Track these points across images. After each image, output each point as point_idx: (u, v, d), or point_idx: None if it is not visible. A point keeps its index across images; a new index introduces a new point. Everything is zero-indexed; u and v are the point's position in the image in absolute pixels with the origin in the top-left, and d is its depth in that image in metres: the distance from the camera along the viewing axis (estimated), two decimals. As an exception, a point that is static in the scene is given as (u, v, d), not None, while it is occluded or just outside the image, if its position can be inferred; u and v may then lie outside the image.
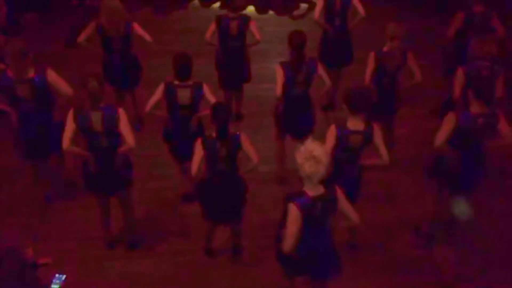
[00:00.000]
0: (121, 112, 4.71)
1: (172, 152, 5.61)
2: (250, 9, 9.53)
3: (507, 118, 4.83)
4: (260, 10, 9.70)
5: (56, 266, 3.97)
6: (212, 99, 5.18)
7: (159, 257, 5.23)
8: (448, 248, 5.34)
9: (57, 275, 3.81)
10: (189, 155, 4.77)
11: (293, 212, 3.74)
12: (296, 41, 5.36)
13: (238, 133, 4.69)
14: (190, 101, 5.22)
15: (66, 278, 3.81)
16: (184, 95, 5.19)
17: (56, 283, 3.78)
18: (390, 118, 5.99)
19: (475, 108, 4.73)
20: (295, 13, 9.77)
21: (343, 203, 3.93)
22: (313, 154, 3.61)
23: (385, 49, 5.69)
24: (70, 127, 4.64)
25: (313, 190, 3.77)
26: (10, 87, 5.01)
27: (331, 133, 4.66)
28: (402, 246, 5.40)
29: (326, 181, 3.87)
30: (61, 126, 4.76)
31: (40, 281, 3.77)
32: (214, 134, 4.58)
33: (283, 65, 5.47)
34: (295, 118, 5.57)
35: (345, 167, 4.72)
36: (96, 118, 4.62)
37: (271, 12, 9.80)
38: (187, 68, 5.16)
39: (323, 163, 3.64)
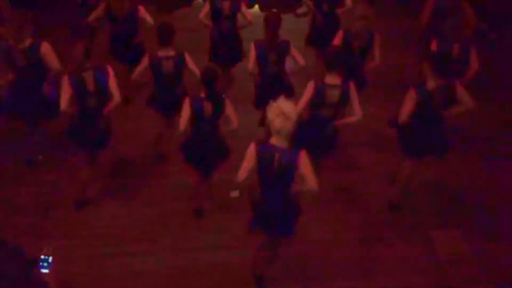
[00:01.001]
0: (110, 69, 5.16)
1: (156, 110, 5.95)
2: (255, 8, 9.58)
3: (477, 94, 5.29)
4: (264, 8, 9.70)
5: (58, 264, 4.00)
6: (194, 68, 5.57)
7: (162, 254, 5.26)
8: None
9: (42, 257, 3.67)
10: (171, 112, 5.58)
11: (250, 150, 4.17)
12: (272, 21, 5.69)
13: (224, 96, 5.01)
14: (174, 70, 5.58)
15: (53, 259, 3.68)
16: (167, 65, 5.55)
17: (44, 267, 3.66)
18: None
19: (431, 83, 5.05)
20: (298, 11, 9.76)
21: (304, 167, 4.08)
22: (283, 111, 3.95)
23: (353, 29, 5.96)
24: (66, 90, 5.02)
25: (277, 142, 4.10)
26: (8, 54, 5.39)
27: (309, 86, 5.11)
28: (402, 245, 5.43)
29: (300, 141, 4.33)
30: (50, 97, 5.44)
31: (42, 280, 3.78)
32: (202, 95, 4.90)
33: (257, 43, 5.81)
34: (271, 95, 5.62)
35: (322, 124, 5.18)
36: (88, 78, 5.03)
37: (274, 11, 9.79)
38: (169, 34, 5.51)
39: (292, 119, 3.97)
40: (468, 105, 5.17)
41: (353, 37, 5.95)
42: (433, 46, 5.96)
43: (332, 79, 5.10)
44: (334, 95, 5.09)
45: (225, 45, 6.89)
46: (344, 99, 5.13)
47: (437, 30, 6.37)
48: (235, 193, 5.90)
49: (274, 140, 4.11)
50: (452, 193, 6.03)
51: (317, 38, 7.20)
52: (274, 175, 4.16)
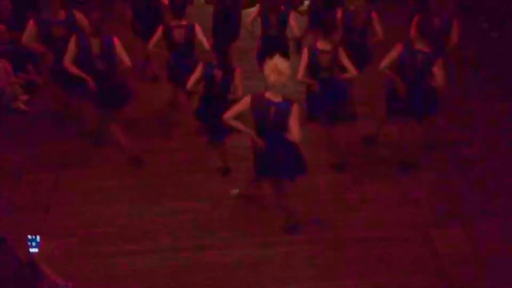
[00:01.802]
0: (116, 40, 5.60)
1: (171, 79, 6.56)
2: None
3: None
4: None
5: (59, 263, 3.99)
6: (202, 38, 6.14)
7: (162, 253, 5.24)
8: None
9: (29, 236, 3.66)
10: (183, 81, 5.85)
11: (245, 99, 4.68)
12: None
13: (235, 66, 5.54)
14: (185, 39, 6.13)
15: (40, 239, 3.66)
16: (179, 34, 6.10)
17: (33, 246, 3.64)
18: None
19: (419, 45, 5.49)
20: (300, 9, 9.77)
21: (292, 119, 4.58)
22: (278, 67, 4.43)
23: (352, 8, 6.44)
24: (72, 49, 5.49)
25: (272, 96, 4.59)
26: (47, 28, 5.82)
27: (305, 53, 5.70)
28: (402, 245, 5.42)
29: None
30: None
31: (40, 279, 3.74)
32: (214, 62, 5.45)
33: (262, 4, 6.58)
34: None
35: (323, 85, 5.73)
36: (95, 43, 5.49)
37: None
38: (182, 6, 6.13)
39: (285, 75, 4.46)
40: (438, 82, 5.45)
41: (352, 15, 6.38)
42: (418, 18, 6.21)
43: (324, 45, 5.64)
44: (327, 59, 5.63)
45: (226, 23, 7.36)
46: (335, 62, 5.66)
47: (423, 5, 6.75)
48: (235, 192, 5.90)
49: (269, 94, 4.59)
50: (453, 192, 6.02)
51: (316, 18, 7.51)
52: (271, 125, 4.64)
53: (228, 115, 4.74)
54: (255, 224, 5.55)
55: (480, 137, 6.91)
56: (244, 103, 4.68)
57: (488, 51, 8.79)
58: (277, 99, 4.58)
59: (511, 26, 9.20)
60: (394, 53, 5.60)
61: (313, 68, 5.69)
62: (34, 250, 3.67)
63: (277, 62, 4.45)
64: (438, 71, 5.43)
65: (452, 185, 6.12)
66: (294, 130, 4.59)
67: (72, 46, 5.49)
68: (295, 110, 4.60)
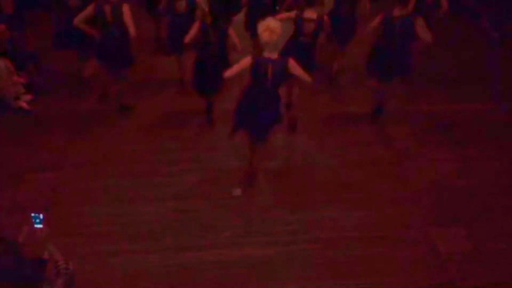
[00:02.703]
0: (126, 6, 6.09)
1: (170, 46, 7.20)
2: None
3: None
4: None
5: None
6: (204, 7, 6.53)
7: (164, 253, 5.25)
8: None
9: (32, 214, 3.66)
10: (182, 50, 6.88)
11: (246, 59, 5.01)
12: None
13: (226, 26, 6.01)
14: (187, 8, 6.73)
15: (44, 215, 3.66)
16: (180, 5, 6.72)
17: (37, 223, 3.64)
18: (346, 42, 7.41)
19: (397, 11, 6.05)
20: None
21: (295, 68, 5.04)
22: (270, 26, 4.82)
23: None
24: (88, 11, 6.05)
25: (269, 54, 4.97)
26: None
27: (291, 14, 6.17)
28: (403, 243, 5.42)
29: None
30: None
31: (41, 275, 3.74)
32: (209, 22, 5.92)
33: None
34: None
35: (305, 48, 6.20)
36: (107, 10, 6.04)
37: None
38: None
39: (277, 33, 4.84)
40: (426, 40, 6.01)
41: None
42: None
43: (310, 13, 6.10)
44: (310, 26, 6.10)
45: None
46: (318, 30, 6.15)
47: None
48: (237, 192, 5.90)
49: (265, 53, 4.98)
50: (454, 192, 6.02)
51: None
52: (269, 82, 5.02)
53: (229, 73, 5.05)
54: (255, 224, 5.55)
55: (481, 137, 6.91)
56: (245, 62, 4.99)
57: (489, 52, 8.79)
58: (273, 56, 4.98)
59: (512, 26, 9.19)
60: (377, 19, 6.16)
61: (295, 32, 6.19)
62: (39, 226, 3.67)
63: (269, 22, 4.84)
64: (421, 30, 5.95)
65: (453, 184, 6.12)
66: (302, 75, 5.09)
67: (90, 9, 6.02)
68: (292, 62, 5.01)
